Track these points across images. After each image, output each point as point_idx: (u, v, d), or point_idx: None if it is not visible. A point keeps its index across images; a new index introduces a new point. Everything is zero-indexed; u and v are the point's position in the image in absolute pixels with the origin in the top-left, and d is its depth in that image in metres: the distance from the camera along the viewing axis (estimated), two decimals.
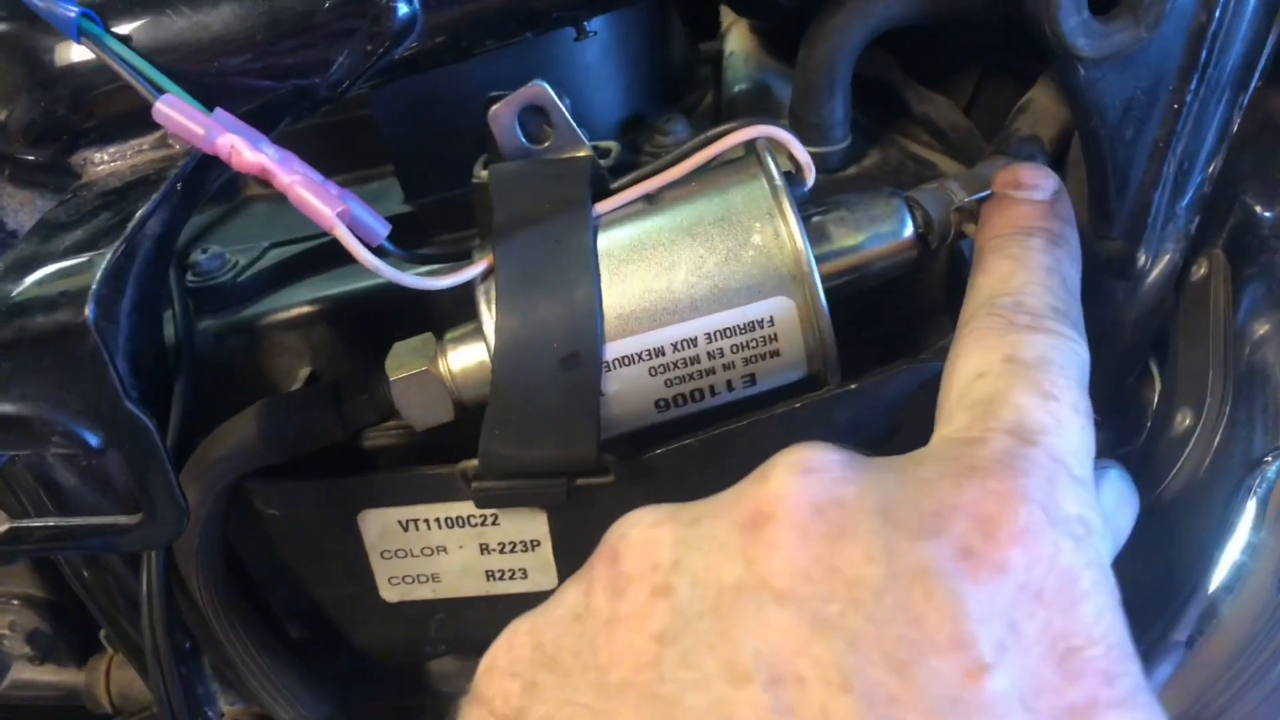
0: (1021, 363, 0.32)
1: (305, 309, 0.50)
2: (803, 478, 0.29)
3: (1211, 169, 0.46)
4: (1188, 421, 0.45)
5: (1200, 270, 0.47)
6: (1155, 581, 0.44)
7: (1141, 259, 0.46)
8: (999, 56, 0.51)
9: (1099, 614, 0.27)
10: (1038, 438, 0.29)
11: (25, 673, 0.58)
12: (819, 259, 0.39)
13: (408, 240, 0.53)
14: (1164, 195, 0.45)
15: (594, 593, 0.30)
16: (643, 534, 0.30)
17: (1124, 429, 0.52)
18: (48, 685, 0.59)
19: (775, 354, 0.39)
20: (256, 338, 0.50)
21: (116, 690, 0.58)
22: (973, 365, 0.33)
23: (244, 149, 0.35)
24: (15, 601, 0.55)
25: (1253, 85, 0.45)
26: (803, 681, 0.25)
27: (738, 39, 0.58)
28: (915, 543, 0.27)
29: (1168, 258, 0.47)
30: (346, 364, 0.50)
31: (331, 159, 0.56)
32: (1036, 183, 0.40)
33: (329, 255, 0.52)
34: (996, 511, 0.27)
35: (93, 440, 0.34)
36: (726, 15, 0.61)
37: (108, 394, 0.34)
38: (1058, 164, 0.48)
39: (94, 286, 0.33)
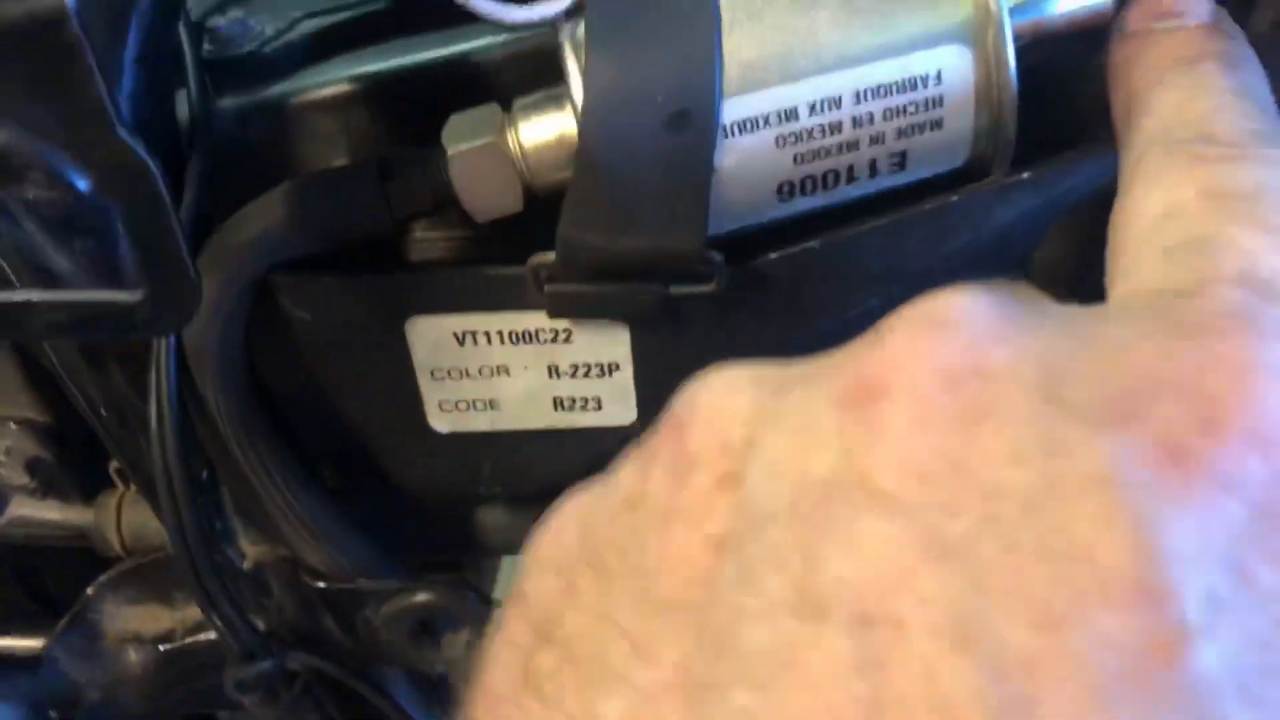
0: (1230, 195, 0.22)
1: (343, 87, 0.41)
2: (934, 334, 0.19)
3: None
4: None
5: None
6: None
7: None
8: None
9: None
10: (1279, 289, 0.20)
11: (25, 508, 0.52)
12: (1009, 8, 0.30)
13: None
14: None
15: (651, 475, 0.22)
16: (716, 401, 0.21)
17: None
18: (52, 524, 0.53)
19: (937, 124, 0.31)
20: (285, 120, 0.42)
21: (129, 530, 0.52)
22: (1155, 203, 0.24)
23: None
24: (12, 425, 0.49)
25: None
26: (901, 626, 0.17)
27: None
28: (1093, 435, 0.17)
29: None
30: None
31: None
32: (1183, 9, 0.30)
33: (370, 28, 0.44)
34: (1227, 390, 0.18)
35: (80, 182, 0.27)
36: None
37: (96, 117, 0.26)
38: None
39: None
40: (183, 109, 0.41)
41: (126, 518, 0.51)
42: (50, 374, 0.45)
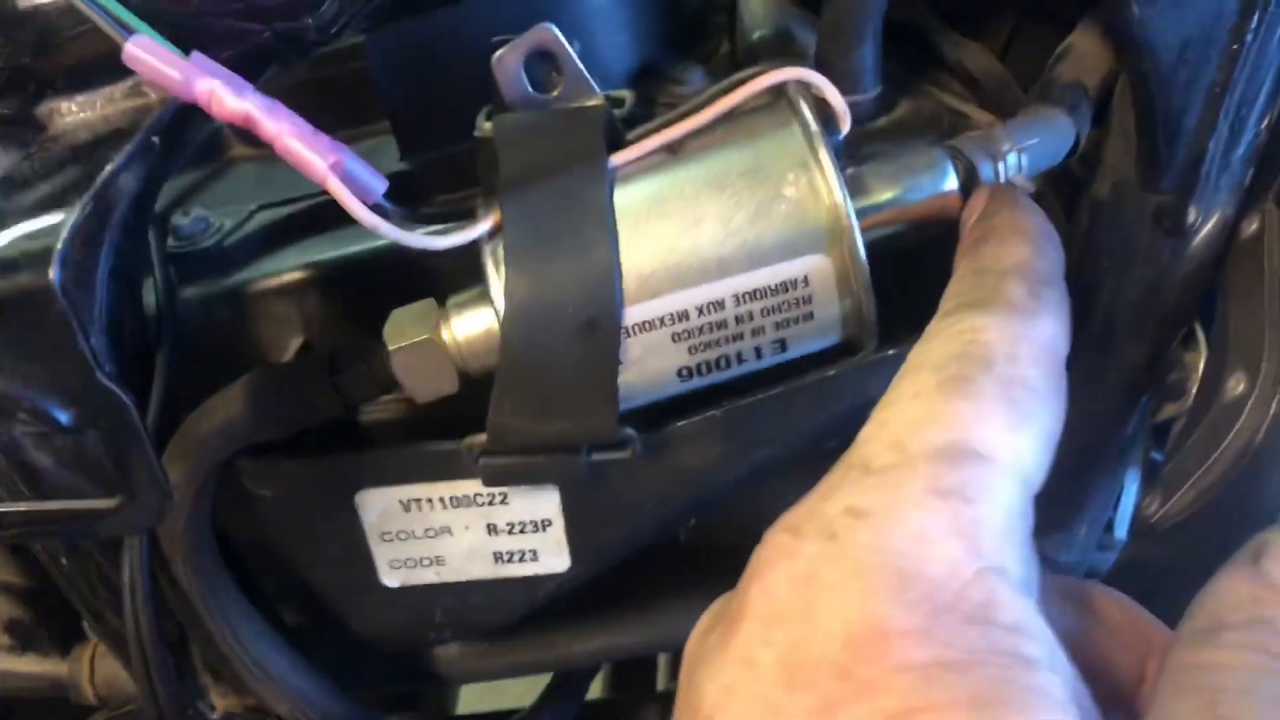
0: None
1: (296, 275, 0.46)
2: None
3: (1269, 117, 0.43)
4: (1241, 387, 0.42)
5: (1252, 226, 0.44)
6: (1208, 560, 0.42)
7: (1193, 214, 0.43)
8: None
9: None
10: None
11: (5, 662, 0.55)
12: (856, 213, 0.36)
13: (405, 201, 0.50)
14: (1219, 145, 0.42)
15: None
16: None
17: (1167, 394, 0.49)
18: (30, 676, 0.55)
19: (809, 317, 0.36)
20: (244, 306, 0.46)
21: (101, 681, 0.55)
22: None
23: (226, 95, 0.32)
24: None
25: None
26: None
27: None
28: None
29: (1220, 213, 0.44)
30: (342, 334, 0.46)
31: (323, 116, 0.53)
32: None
33: (321, 218, 0.49)
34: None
35: (63, 417, 0.31)
36: None
37: (78, 367, 0.30)
38: (1101, 113, 0.45)
39: (59, 247, 0.29)
40: (150, 298, 0.46)
41: (99, 670, 0.54)
42: None
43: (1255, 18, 0.39)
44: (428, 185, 0.49)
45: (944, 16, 0.49)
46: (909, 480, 0.24)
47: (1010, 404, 0.25)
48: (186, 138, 0.42)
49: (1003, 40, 0.49)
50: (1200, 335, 0.47)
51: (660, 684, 0.79)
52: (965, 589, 0.22)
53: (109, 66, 0.36)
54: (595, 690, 0.80)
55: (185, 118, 0.37)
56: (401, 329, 0.39)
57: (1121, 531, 0.55)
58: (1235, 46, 0.40)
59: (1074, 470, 0.50)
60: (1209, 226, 0.44)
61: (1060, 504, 0.51)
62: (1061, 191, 0.47)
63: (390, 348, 0.39)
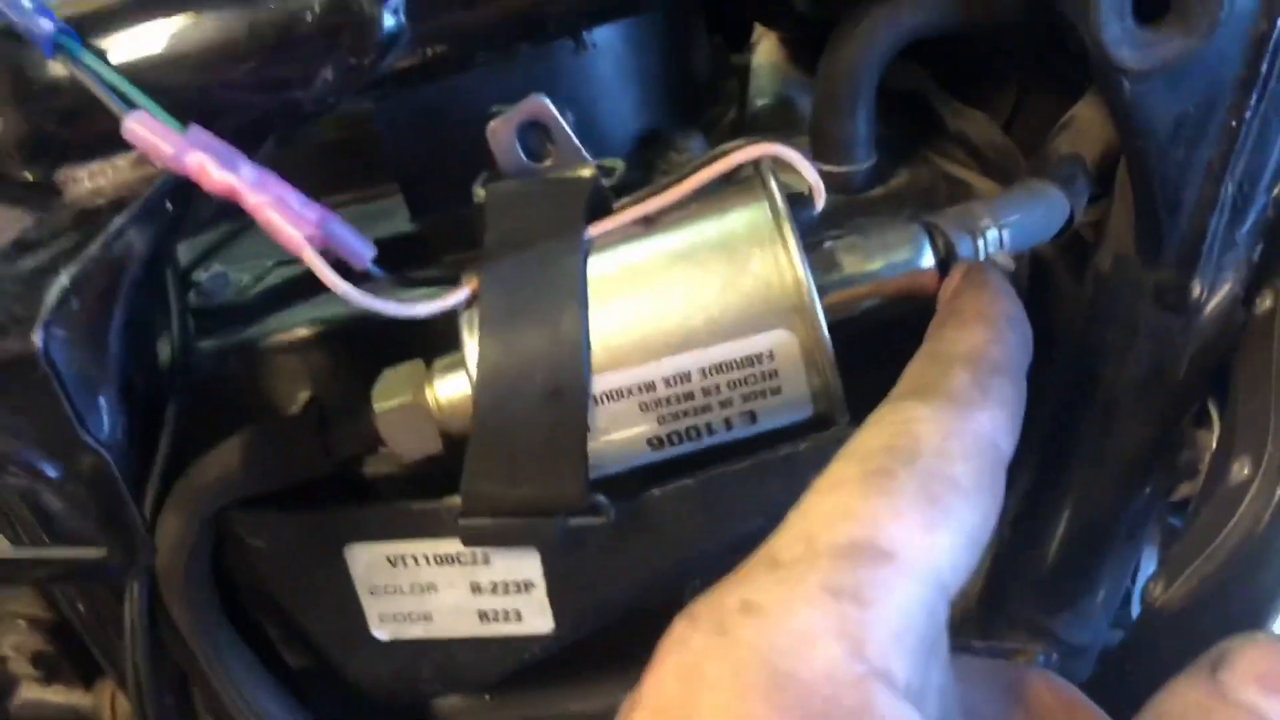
0: None
1: (304, 331, 0.48)
2: None
3: (1277, 191, 0.41)
4: (1246, 471, 0.41)
5: (1265, 304, 0.43)
6: (1199, 642, 0.40)
7: (1197, 290, 0.42)
8: (1041, 69, 0.47)
9: None
10: None
11: (33, 693, 0.57)
12: (825, 288, 0.36)
13: (414, 260, 0.51)
14: (1221, 220, 0.41)
15: None
16: None
17: (1179, 475, 0.47)
18: (55, 706, 0.58)
19: (776, 391, 0.36)
20: (256, 360, 0.48)
21: (123, 715, 0.57)
22: None
23: (212, 168, 0.34)
24: (21, 622, 0.55)
25: None
26: None
27: (766, 50, 0.55)
28: None
29: (1227, 288, 0.43)
30: (348, 389, 0.48)
31: (337, 178, 0.55)
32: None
33: None
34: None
35: (50, 471, 0.33)
36: (759, 25, 0.58)
37: (63, 424, 0.32)
38: (1105, 186, 0.44)
39: (43, 313, 0.31)
40: (165, 351, 0.48)
41: (119, 703, 0.56)
42: None
43: (1255, 94, 0.38)
44: (436, 245, 0.51)
45: (948, 86, 0.49)
46: (807, 576, 0.24)
47: (928, 501, 0.25)
48: (197, 202, 0.44)
49: (1008, 109, 0.48)
50: (1214, 414, 0.46)
51: None
52: (840, 693, 0.22)
53: (118, 137, 0.38)
54: None
55: (192, 185, 0.39)
56: (388, 389, 0.41)
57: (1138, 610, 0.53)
58: (1234, 123, 0.39)
59: (1081, 548, 0.49)
60: (1216, 302, 0.43)
61: (1067, 582, 0.49)
62: (1072, 260, 0.46)
63: (376, 408, 0.40)
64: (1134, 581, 0.54)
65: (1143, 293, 0.43)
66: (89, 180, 0.39)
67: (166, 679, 0.46)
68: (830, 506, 0.25)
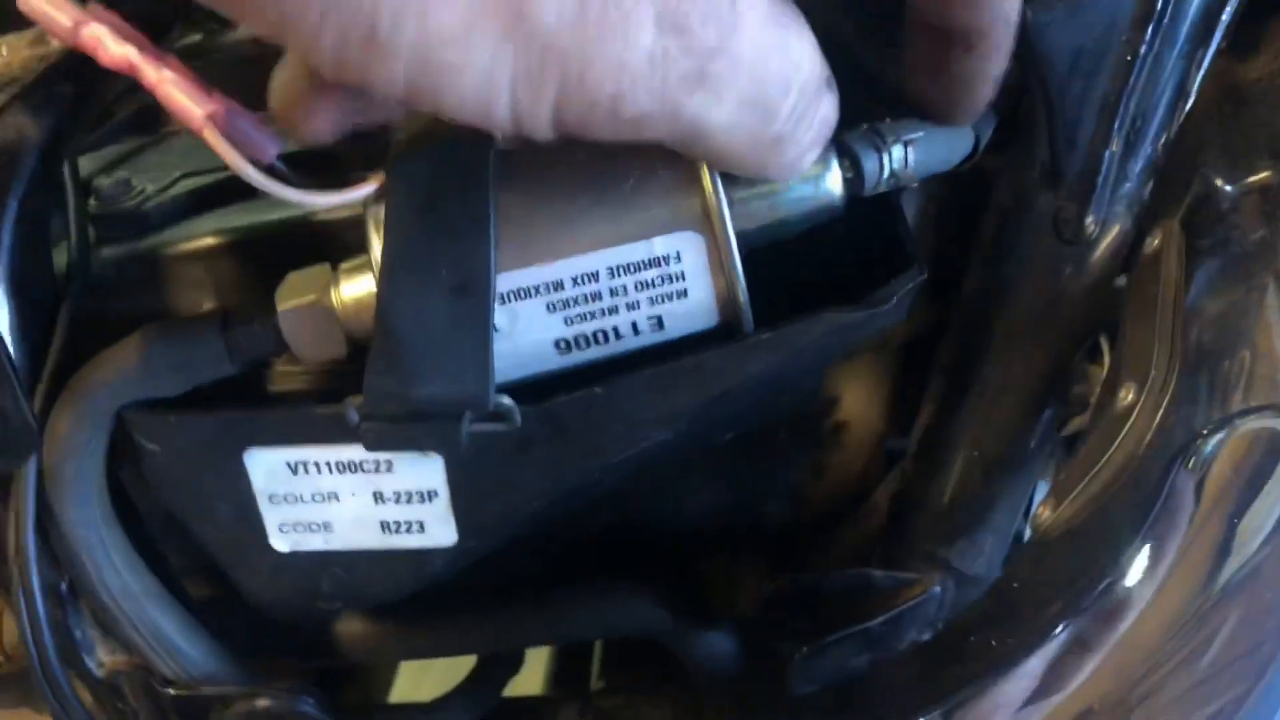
0: None
1: (210, 240, 0.47)
2: None
3: (1169, 132, 0.43)
4: (1130, 397, 0.43)
5: (1154, 242, 0.45)
6: (1084, 561, 0.42)
7: (1090, 223, 0.44)
8: None
9: None
10: None
11: None
12: (734, 200, 0.36)
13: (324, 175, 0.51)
14: (1115, 155, 0.42)
15: None
16: None
17: (1071, 409, 0.49)
18: None
19: (683, 294, 0.37)
20: (158, 268, 0.47)
21: (8, 638, 0.55)
22: None
23: (109, 40, 0.33)
24: None
25: (1214, 44, 0.42)
26: None
27: None
28: None
29: (1119, 225, 0.45)
30: (253, 299, 0.47)
31: (252, 92, 0.54)
32: None
33: (243, 188, 0.49)
34: None
35: None
36: None
37: None
38: (1010, 120, 0.45)
39: None
40: (62, 257, 0.47)
41: (6, 626, 0.54)
42: None
43: (1149, 30, 0.40)
44: (346, 160, 0.50)
45: (864, 28, 0.50)
46: None
47: None
48: (102, 91, 0.43)
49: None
50: (1105, 349, 0.48)
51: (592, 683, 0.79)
52: None
53: (14, 14, 0.37)
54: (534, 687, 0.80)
55: (97, 70, 0.38)
56: (292, 290, 0.40)
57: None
58: (1129, 58, 0.40)
59: (977, 480, 0.50)
60: (1109, 238, 0.45)
61: (963, 513, 0.51)
62: (965, 199, 0.48)
63: (279, 307, 0.40)
64: (1026, 518, 0.56)
65: (1042, 225, 0.44)
66: None
67: (54, 591, 0.45)
68: None
